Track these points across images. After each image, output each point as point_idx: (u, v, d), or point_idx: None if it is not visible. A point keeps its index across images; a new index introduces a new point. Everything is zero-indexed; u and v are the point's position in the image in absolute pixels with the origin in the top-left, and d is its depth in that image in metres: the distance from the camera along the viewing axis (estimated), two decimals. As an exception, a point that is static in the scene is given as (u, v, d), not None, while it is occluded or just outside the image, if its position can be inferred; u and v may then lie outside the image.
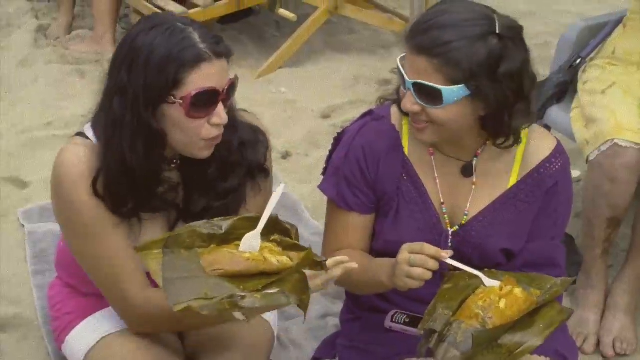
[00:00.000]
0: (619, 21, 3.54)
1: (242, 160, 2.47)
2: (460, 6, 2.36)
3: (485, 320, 2.25)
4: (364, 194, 2.54)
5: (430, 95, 2.32)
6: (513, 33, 2.34)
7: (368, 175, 2.53)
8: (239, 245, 2.24)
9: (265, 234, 2.27)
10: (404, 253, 2.32)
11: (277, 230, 2.29)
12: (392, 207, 2.53)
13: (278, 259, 2.22)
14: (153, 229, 2.45)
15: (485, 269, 2.41)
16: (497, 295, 2.29)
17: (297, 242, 2.30)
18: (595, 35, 3.61)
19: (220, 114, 2.30)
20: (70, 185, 2.38)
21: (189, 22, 2.33)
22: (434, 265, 2.30)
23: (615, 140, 3.11)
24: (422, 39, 2.31)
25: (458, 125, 2.38)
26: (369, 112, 2.61)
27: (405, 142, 2.54)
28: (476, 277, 2.37)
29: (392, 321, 2.60)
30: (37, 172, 4.08)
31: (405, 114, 2.48)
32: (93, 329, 2.61)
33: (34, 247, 3.55)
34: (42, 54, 5.20)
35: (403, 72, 2.36)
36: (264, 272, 2.19)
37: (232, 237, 2.27)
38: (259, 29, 5.69)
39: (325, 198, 4.00)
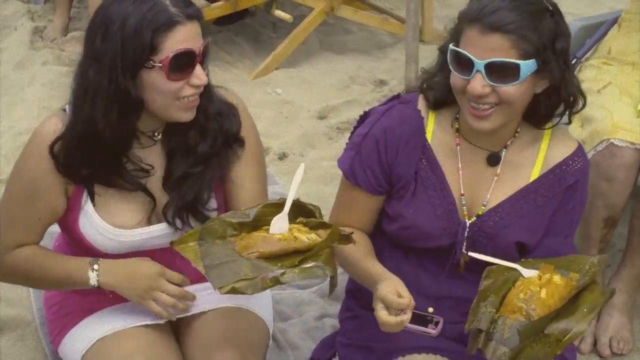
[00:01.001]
0: (614, 21, 3.54)
1: (218, 128, 2.52)
2: None
3: (529, 313, 2.27)
4: (374, 175, 2.57)
5: (506, 72, 2.36)
6: (558, 10, 2.43)
7: (384, 158, 2.56)
8: (268, 230, 2.32)
9: (291, 218, 2.34)
10: (377, 307, 2.37)
11: (302, 213, 2.37)
12: (409, 190, 2.56)
13: (307, 236, 2.30)
14: (134, 203, 2.51)
15: (522, 259, 2.43)
16: (537, 285, 2.31)
17: (322, 220, 2.38)
18: (590, 35, 3.61)
19: (199, 75, 2.37)
20: (31, 150, 2.47)
21: None
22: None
23: (612, 140, 3.12)
24: (494, 17, 2.35)
25: (522, 103, 2.44)
26: (397, 96, 2.65)
27: (429, 129, 2.57)
28: (513, 269, 2.38)
29: None
30: (33, 173, 4.07)
31: (434, 107, 2.55)
32: (89, 330, 2.62)
33: (30, 249, 3.54)
34: (38, 56, 5.20)
35: (470, 55, 2.37)
36: (297, 251, 2.27)
37: (260, 224, 2.35)
38: (255, 30, 5.70)
39: (319, 198, 4.01)
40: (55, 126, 2.45)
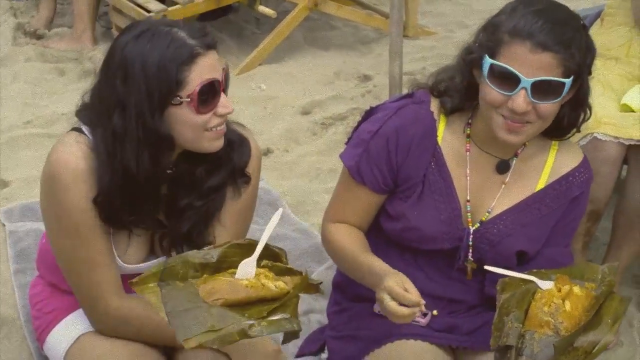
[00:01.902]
0: (597, 15, 3.55)
1: (227, 160, 2.48)
2: (548, 1, 2.41)
3: (557, 326, 2.25)
4: (381, 174, 2.54)
5: (551, 90, 2.34)
6: (585, 25, 2.43)
7: (394, 158, 2.52)
8: (233, 273, 2.23)
9: (257, 261, 2.26)
10: (386, 298, 2.32)
11: (267, 256, 2.29)
12: (415, 192, 2.54)
13: (275, 284, 2.22)
14: (139, 238, 2.47)
15: (534, 270, 2.41)
16: (559, 298, 2.29)
17: (289, 266, 2.31)
18: (573, 30, 3.62)
19: (225, 104, 2.34)
20: (66, 185, 2.36)
21: (171, 22, 2.34)
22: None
23: (595, 134, 3.12)
24: (544, 36, 2.31)
25: (553, 118, 2.42)
26: (410, 95, 2.60)
27: (440, 132, 2.54)
28: (529, 281, 2.36)
29: None
30: (17, 171, 4.07)
31: (449, 113, 2.51)
32: (72, 327, 2.62)
33: (15, 246, 3.53)
34: (22, 52, 5.19)
35: (518, 73, 2.32)
36: (263, 299, 2.20)
37: (224, 266, 2.26)
38: (239, 26, 5.70)
39: (304, 194, 4.00)
40: (76, 152, 2.35)
